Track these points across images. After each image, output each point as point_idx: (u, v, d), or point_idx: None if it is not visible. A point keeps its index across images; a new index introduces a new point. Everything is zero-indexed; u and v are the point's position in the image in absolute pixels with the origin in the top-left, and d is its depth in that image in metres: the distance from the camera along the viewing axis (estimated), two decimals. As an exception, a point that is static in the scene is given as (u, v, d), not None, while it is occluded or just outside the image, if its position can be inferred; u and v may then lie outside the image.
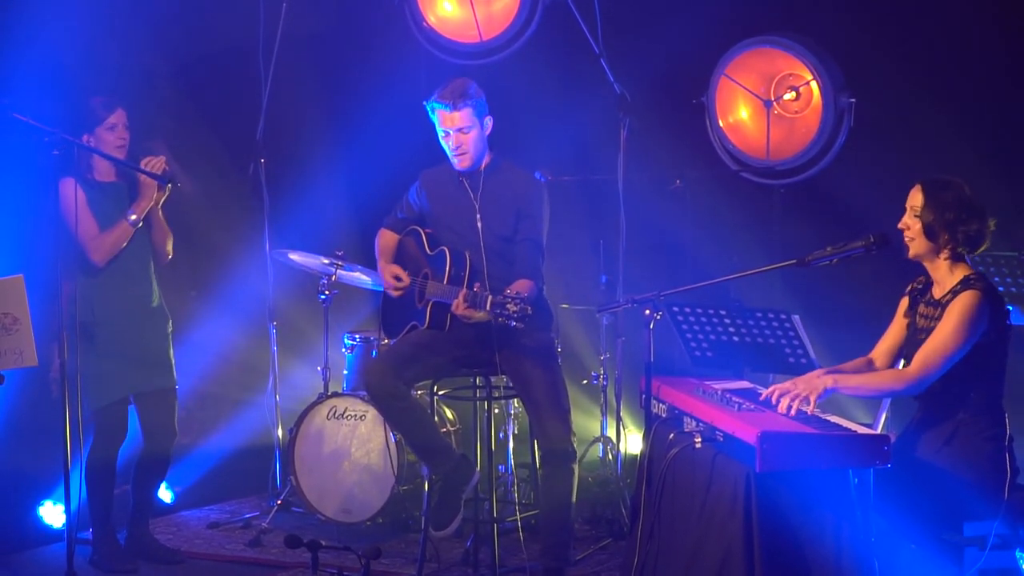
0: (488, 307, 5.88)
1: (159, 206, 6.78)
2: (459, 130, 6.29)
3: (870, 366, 5.57)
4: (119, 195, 6.76)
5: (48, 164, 6.18)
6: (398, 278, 6.48)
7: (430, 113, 6.34)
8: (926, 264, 5.37)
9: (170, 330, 6.92)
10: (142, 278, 6.82)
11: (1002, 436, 5.23)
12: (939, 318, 5.24)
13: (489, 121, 6.36)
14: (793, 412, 5.05)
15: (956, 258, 5.31)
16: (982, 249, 5.36)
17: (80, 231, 6.54)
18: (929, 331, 5.29)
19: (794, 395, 5.11)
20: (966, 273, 5.28)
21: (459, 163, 6.37)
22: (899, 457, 5.03)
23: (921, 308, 5.41)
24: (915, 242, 5.32)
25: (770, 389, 5.32)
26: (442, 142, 6.38)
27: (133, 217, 6.67)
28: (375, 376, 6.35)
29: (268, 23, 8.03)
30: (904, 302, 5.54)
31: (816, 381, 5.17)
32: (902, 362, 5.61)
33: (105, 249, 6.65)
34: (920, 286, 5.48)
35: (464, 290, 6.07)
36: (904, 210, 5.36)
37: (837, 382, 5.16)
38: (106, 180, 6.78)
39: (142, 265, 6.83)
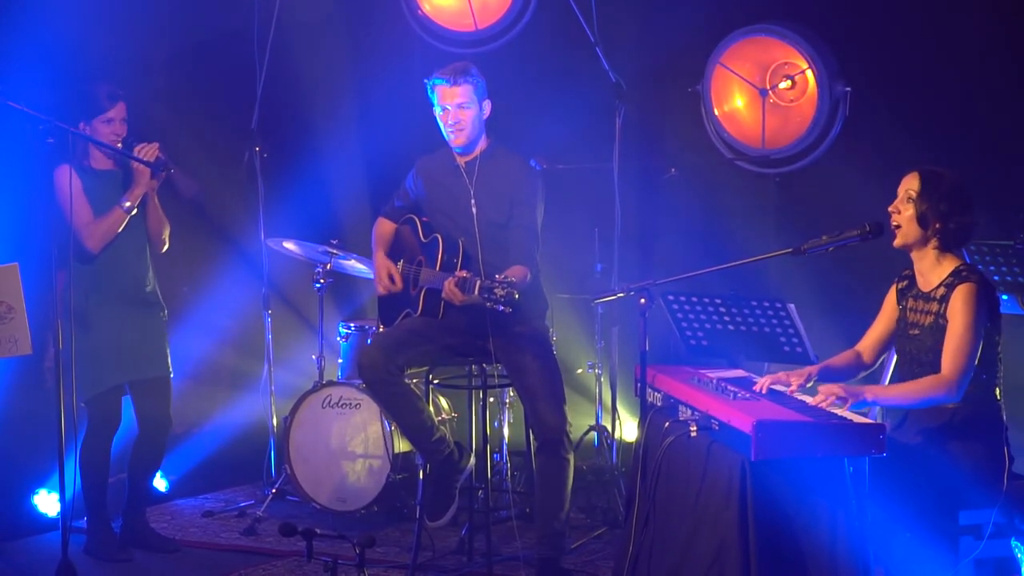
0: (476, 291, 5.88)
1: (154, 192, 6.77)
2: (458, 106, 6.31)
3: (858, 358, 5.57)
4: (115, 183, 6.76)
5: (43, 152, 6.17)
6: (391, 278, 6.48)
7: (429, 91, 6.36)
8: (912, 254, 5.36)
9: (165, 319, 6.92)
10: (137, 266, 6.81)
11: (998, 425, 5.24)
12: (935, 312, 5.23)
13: (488, 105, 6.37)
14: (826, 405, 5.04)
15: (944, 249, 5.30)
16: (964, 245, 5.37)
17: (75, 218, 6.53)
18: (921, 326, 5.29)
19: (831, 392, 5.09)
20: (955, 264, 5.27)
21: (455, 139, 6.36)
22: (895, 446, 5.04)
23: (910, 303, 5.40)
24: (904, 229, 5.30)
25: (768, 380, 5.33)
26: (439, 120, 6.38)
27: (127, 204, 6.66)
28: (368, 360, 6.36)
29: (263, 11, 8.02)
30: (891, 296, 5.53)
31: (854, 389, 5.12)
32: (895, 358, 5.62)
33: (99, 236, 6.65)
34: (907, 279, 5.46)
35: (452, 276, 6.06)
36: (896, 195, 5.36)
37: (876, 396, 5.11)
38: (102, 168, 6.77)
39: (138, 253, 6.82)
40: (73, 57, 7.89)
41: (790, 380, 5.35)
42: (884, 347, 5.58)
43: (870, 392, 5.13)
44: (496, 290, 5.80)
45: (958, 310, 5.16)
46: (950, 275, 5.24)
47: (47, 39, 7.78)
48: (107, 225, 6.66)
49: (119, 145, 6.63)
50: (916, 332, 5.31)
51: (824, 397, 5.09)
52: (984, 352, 5.20)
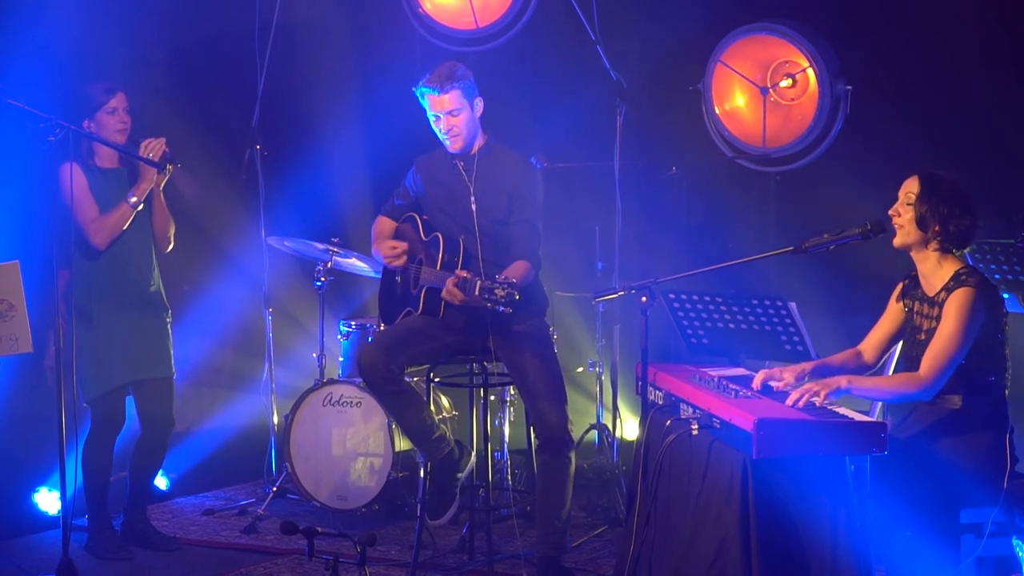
0: (477, 292, 5.88)
1: (160, 188, 6.77)
2: (449, 113, 6.29)
3: (858, 358, 5.56)
4: (121, 181, 6.76)
5: (45, 150, 6.17)
6: (393, 247, 6.43)
7: (420, 99, 6.34)
8: (913, 255, 5.36)
9: (168, 320, 6.92)
10: (142, 264, 6.82)
11: (1003, 425, 5.23)
12: (936, 317, 5.23)
13: (479, 102, 6.35)
14: (802, 404, 5.02)
15: (945, 251, 5.30)
16: (967, 248, 5.36)
17: (80, 215, 6.54)
18: (926, 331, 5.28)
19: (804, 390, 5.08)
20: (956, 267, 5.27)
21: (452, 145, 6.36)
22: (897, 444, 5.04)
23: (916, 306, 5.40)
24: (904, 230, 5.31)
25: (761, 375, 5.32)
26: (433, 126, 6.37)
27: (133, 199, 6.66)
28: (368, 359, 6.35)
29: (264, 9, 8.02)
30: (895, 297, 5.54)
31: (829, 379, 5.14)
32: (896, 358, 5.62)
33: (105, 232, 6.65)
34: (913, 280, 5.46)
35: (453, 276, 6.06)
36: (896, 197, 5.36)
37: (851, 383, 5.12)
38: (108, 166, 6.78)
39: (143, 251, 6.82)
40: (74, 54, 7.89)
41: (783, 375, 5.34)
42: (887, 347, 5.58)
43: (846, 379, 5.14)
44: (496, 291, 5.79)
45: (950, 313, 5.17)
46: (951, 279, 5.24)
47: (48, 37, 7.78)
48: (113, 221, 6.66)
49: (125, 137, 6.64)
50: (922, 337, 5.30)
51: (798, 396, 5.06)
52: (990, 354, 5.21)
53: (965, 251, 5.39)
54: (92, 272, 6.66)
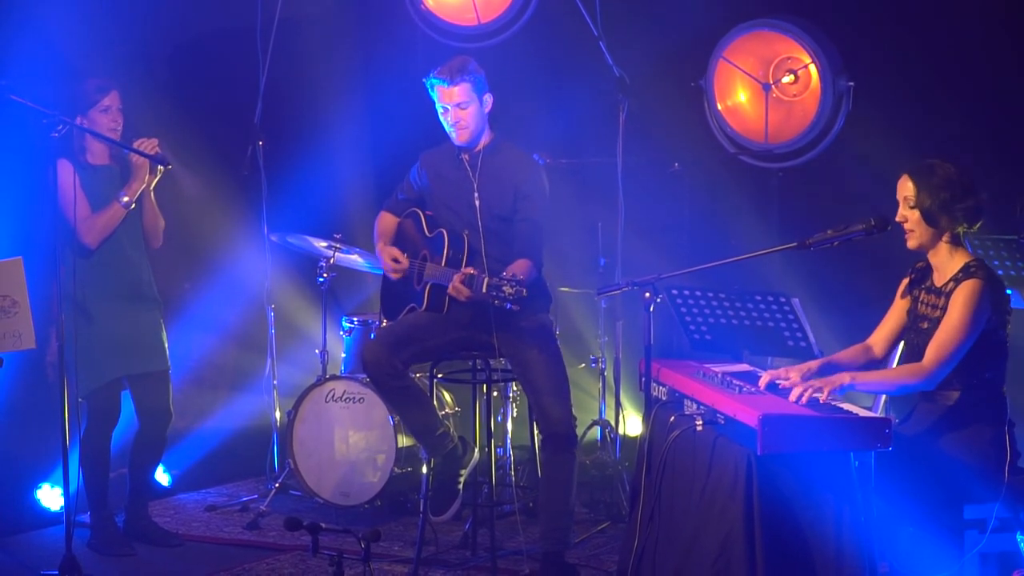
0: (484, 289, 5.88)
1: (151, 188, 6.77)
2: (457, 105, 6.30)
3: (867, 353, 5.56)
4: (112, 178, 6.75)
5: (46, 146, 6.17)
6: (396, 260, 6.47)
7: (429, 90, 6.35)
8: (928, 252, 5.36)
9: (161, 316, 6.91)
10: (134, 260, 6.81)
11: (1003, 420, 5.24)
12: (942, 307, 5.23)
13: (488, 98, 6.36)
14: (804, 400, 5.01)
15: (955, 242, 5.30)
16: (979, 224, 5.35)
17: (72, 212, 6.52)
18: (931, 319, 5.29)
19: (807, 386, 5.08)
20: (966, 260, 5.27)
21: (458, 137, 6.36)
22: (900, 440, 5.04)
23: (922, 296, 5.40)
24: (915, 232, 5.30)
25: (767, 376, 5.32)
26: (441, 118, 6.38)
27: (125, 199, 6.66)
28: (371, 356, 6.36)
29: (266, 5, 8.02)
30: (902, 288, 5.53)
31: (833, 377, 5.13)
32: (900, 348, 5.62)
33: (96, 230, 6.64)
34: (918, 272, 5.46)
35: (460, 272, 6.06)
36: (897, 203, 5.35)
37: (855, 379, 5.12)
38: (100, 163, 6.77)
39: (135, 248, 6.82)
40: (76, 51, 7.87)
41: (789, 375, 5.34)
42: (896, 341, 5.57)
43: (849, 376, 5.14)
44: (505, 288, 5.79)
45: (957, 304, 5.17)
46: (960, 270, 5.24)
47: (49, 33, 7.76)
48: (104, 220, 6.65)
49: (118, 136, 6.63)
50: (926, 325, 5.31)
51: (801, 391, 5.04)
52: (990, 350, 5.22)
53: (972, 230, 5.36)
54: (85, 268, 6.65)
